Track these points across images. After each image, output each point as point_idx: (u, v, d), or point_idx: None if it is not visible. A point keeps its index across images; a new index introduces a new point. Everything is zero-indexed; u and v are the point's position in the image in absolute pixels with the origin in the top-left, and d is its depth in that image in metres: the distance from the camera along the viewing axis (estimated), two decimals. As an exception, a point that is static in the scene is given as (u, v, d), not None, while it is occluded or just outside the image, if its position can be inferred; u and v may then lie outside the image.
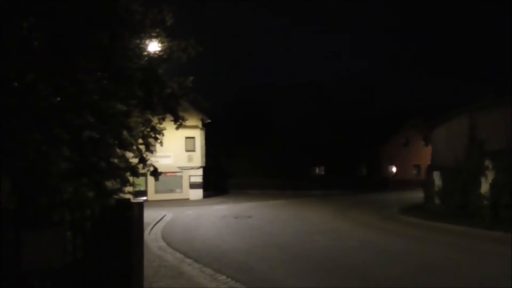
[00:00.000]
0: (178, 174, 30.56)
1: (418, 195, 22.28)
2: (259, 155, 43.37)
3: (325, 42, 76.48)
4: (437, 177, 18.09)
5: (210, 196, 32.70)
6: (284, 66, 72.69)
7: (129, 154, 6.07)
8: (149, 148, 6.38)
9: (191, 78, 5.78)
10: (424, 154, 38.01)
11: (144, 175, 6.47)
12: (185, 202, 27.98)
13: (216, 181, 42.67)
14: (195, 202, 27.46)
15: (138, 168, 6.01)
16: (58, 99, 4.05)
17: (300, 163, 43.63)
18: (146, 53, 5.70)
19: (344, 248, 9.83)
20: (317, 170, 48.87)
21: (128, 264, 4.27)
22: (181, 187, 30.64)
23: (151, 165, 6.33)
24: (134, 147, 5.99)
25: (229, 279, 6.83)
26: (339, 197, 30.11)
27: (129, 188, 6.04)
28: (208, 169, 33.76)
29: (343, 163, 44.28)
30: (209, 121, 31.89)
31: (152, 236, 12.07)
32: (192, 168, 30.64)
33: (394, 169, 40.36)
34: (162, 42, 5.79)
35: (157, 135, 6.52)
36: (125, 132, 5.40)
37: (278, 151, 43.57)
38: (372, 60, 77.37)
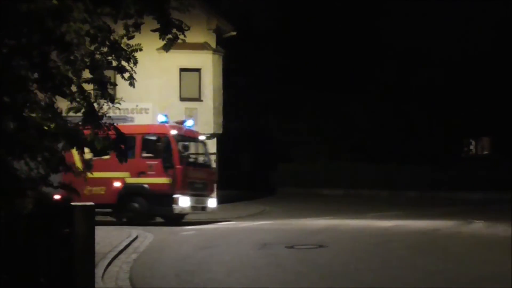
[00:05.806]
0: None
1: None
2: (350, 115, 43.09)
3: None
4: None
5: (234, 199, 33.23)
6: None
7: (63, 103, 6.26)
8: (106, 90, 6.51)
9: None
10: None
11: (93, 148, 6.63)
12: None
13: (250, 168, 42.96)
14: (202, 212, 27.94)
15: (83, 134, 6.20)
16: None
17: (435, 133, 42.96)
18: None
19: None
20: (472, 147, 48.36)
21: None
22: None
23: (111, 126, 6.49)
24: (75, 88, 6.15)
25: None
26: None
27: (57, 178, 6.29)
28: (231, 141, 34.03)
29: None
30: (234, 33, 31.82)
31: (109, 284, 12.42)
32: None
33: None
34: None
35: (124, 63, 6.64)
36: (55, 55, 5.55)
37: (392, 106, 42.95)
38: None
